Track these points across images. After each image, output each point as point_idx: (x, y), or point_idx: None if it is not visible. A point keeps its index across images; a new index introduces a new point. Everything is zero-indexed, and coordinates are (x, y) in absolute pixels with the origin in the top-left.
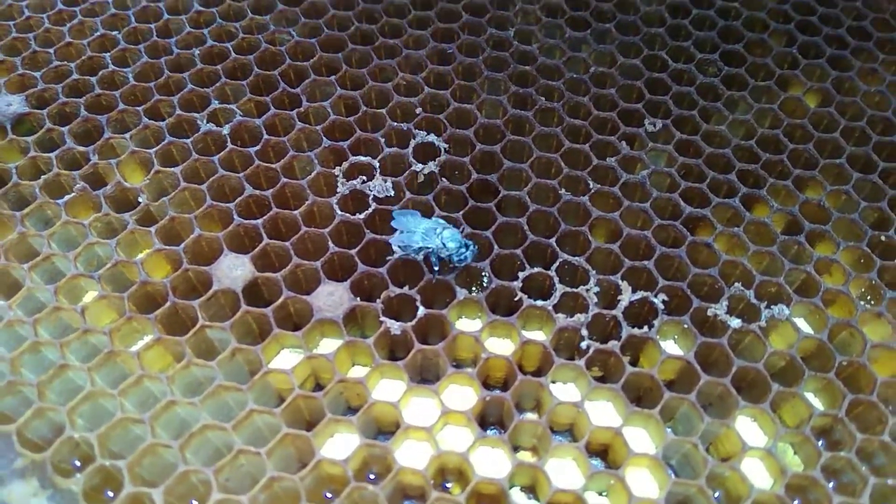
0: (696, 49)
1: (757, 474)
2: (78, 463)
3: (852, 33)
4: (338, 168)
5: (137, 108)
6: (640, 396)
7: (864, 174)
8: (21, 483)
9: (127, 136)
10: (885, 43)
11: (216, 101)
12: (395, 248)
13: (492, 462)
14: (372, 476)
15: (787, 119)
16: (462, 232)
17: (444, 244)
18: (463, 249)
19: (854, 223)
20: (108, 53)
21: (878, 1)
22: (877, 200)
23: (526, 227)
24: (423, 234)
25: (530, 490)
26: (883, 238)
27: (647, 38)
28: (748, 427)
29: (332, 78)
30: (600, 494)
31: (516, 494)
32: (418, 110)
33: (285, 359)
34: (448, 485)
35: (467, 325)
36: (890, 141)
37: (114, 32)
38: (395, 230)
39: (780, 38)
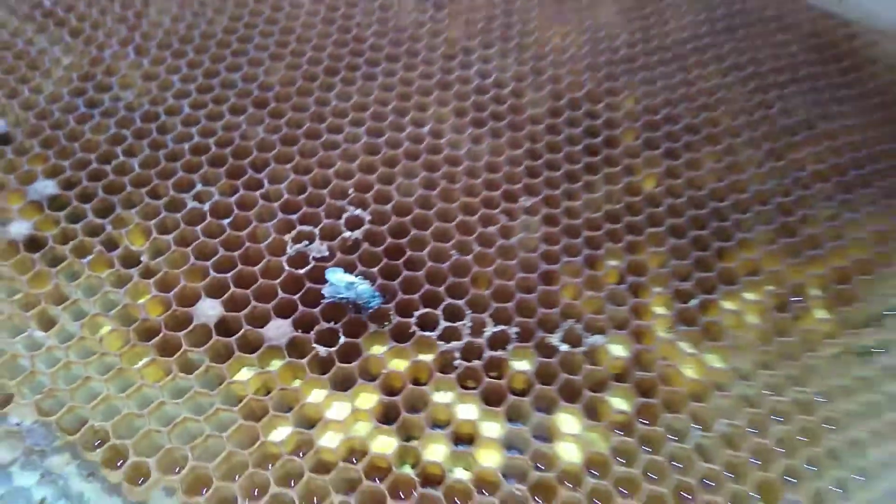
0: (566, 143)
1: (570, 453)
2: (97, 442)
3: (686, 129)
4: (287, 235)
5: (141, 189)
6: (497, 400)
7: (678, 239)
8: (58, 456)
9: (133, 211)
10: (712, 137)
11: (200, 184)
12: (326, 296)
13: (388, 446)
14: (301, 454)
15: (627, 198)
16: (375, 284)
17: (359, 295)
18: (371, 300)
19: (665, 276)
20: (119, 147)
21: (712, 104)
22: (685, 259)
23: (423, 279)
24: (345, 286)
25: (414, 465)
26: (681, 287)
27: (530, 134)
28: (568, 421)
29: (288, 166)
30: (465, 469)
31: (406, 469)
32: (350, 191)
33: (244, 374)
34: (354, 461)
35: (376, 349)
36: (700, 214)
37: (123, 130)
38: (328, 282)
39: (630, 134)
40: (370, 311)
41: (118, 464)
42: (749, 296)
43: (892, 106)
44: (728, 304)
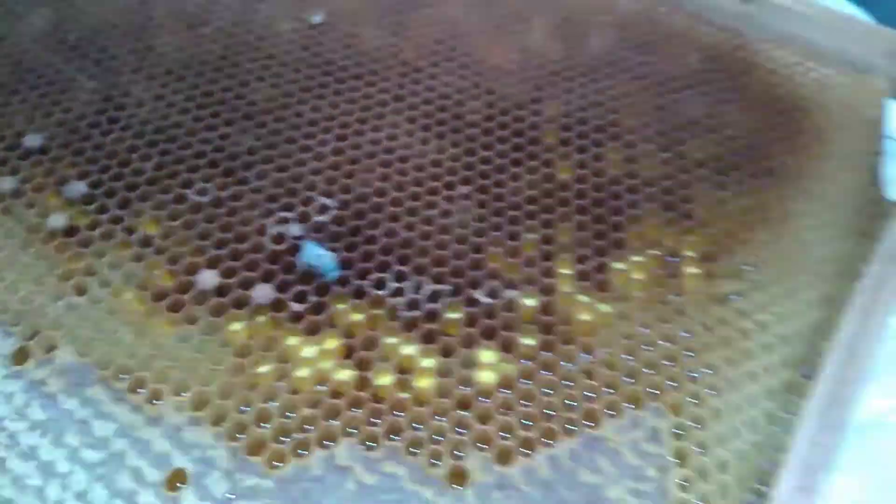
0: (497, 143)
1: (487, 377)
2: (123, 375)
3: (594, 129)
4: (269, 219)
5: (153, 187)
6: (433, 340)
7: (581, 216)
8: (93, 386)
9: (147, 204)
10: (614, 135)
11: (200, 182)
12: (298, 264)
13: (347, 376)
14: (280, 382)
15: (544, 185)
16: (339, 257)
17: (322, 264)
18: (332, 271)
19: (570, 244)
20: (135, 154)
21: (617, 107)
22: (586, 231)
23: (377, 251)
24: (315, 257)
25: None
26: (587, 254)
27: (468, 137)
28: (487, 354)
29: (270, 166)
30: (406, 393)
31: (361, 393)
32: (320, 184)
33: (235, 326)
34: (321, 386)
35: (339, 305)
36: (600, 196)
37: (138, 141)
38: (301, 251)
39: (550, 135)
40: (331, 279)
41: (139, 390)
42: (635, 258)
43: (769, 105)
44: (618, 265)
